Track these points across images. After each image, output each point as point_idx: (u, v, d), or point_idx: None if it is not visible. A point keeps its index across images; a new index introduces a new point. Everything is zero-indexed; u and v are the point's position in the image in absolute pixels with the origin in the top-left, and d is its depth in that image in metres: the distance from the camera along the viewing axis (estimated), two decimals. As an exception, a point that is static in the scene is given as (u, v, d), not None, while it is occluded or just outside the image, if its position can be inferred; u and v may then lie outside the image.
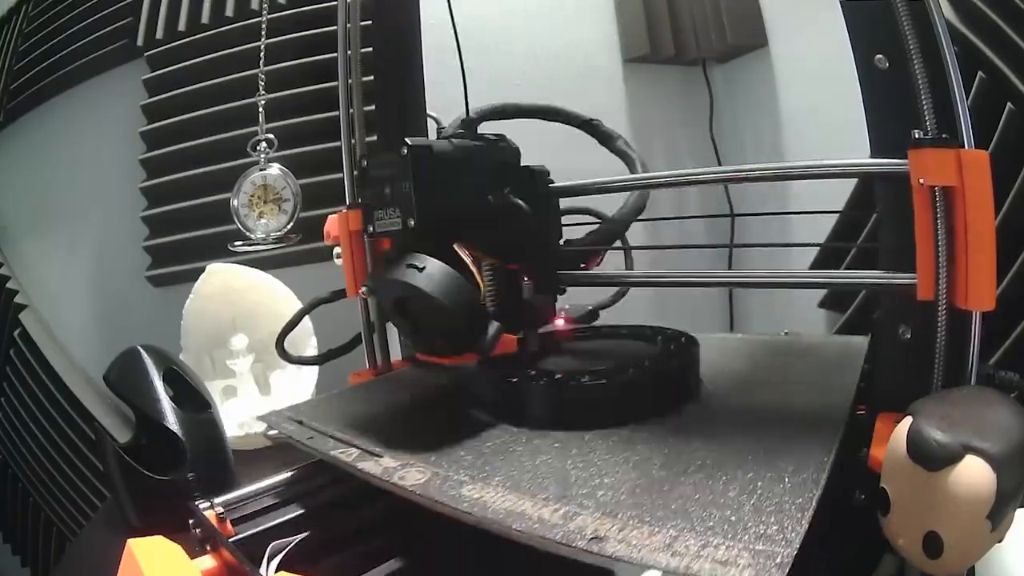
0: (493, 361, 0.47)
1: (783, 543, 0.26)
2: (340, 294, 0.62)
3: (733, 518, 0.28)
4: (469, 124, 0.52)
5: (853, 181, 0.78)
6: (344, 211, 0.59)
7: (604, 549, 0.27)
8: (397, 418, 0.47)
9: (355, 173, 0.61)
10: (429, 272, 0.39)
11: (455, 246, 0.42)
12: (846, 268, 0.79)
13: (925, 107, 0.35)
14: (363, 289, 0.46)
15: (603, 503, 0.31)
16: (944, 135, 0.34)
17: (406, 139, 0.41)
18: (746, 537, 0.27)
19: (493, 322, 0.42)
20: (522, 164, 0.51)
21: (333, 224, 0.60)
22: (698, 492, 0.31)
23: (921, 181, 0.34)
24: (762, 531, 0.27)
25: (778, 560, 0.25)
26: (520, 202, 0.46)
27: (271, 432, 0.46)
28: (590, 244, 0.55)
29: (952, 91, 0.35)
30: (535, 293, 0.47)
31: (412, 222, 0.42)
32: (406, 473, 0.35)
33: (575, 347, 0.53)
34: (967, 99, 0.35)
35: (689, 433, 0.39)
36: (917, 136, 0.35)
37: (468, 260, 0.42)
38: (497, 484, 0.33)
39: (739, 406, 0.44)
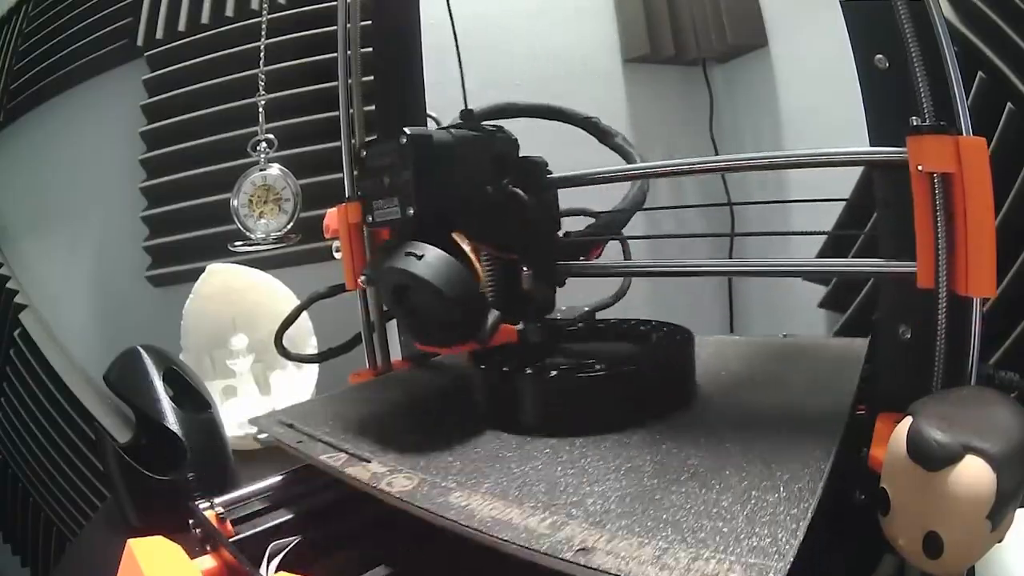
0: (488, 357, 0.47)
1: (776, 556, 0.25)
2: (338, 289, 0.62)
3: (725, 529, 0.27)
4: (468, 115, 0.53)
5: (852, 177, 0.78)
6: (344, 204, 0.59)
7: (591, 561, 0.26)
8: (389, 422, 0.47)
9: (354, 166, 0.61)
10: (428, 260, 0.39)
11: (454, 235, 0.42)
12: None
13: (923, 95, 0.35)
14: (362, 278, 0.45)
15: (592, 512, 0.30)
16: (942, 123, 0.34)
17: (404, 128, 0.41)
18: (738, 549, 0.26)
19: (492, 311, 0.42)
20: (520, 156, 0.51)
21: (332, 218, 0.60)
22: (690, 501, 0.30)
23: (920, 168, 0.34)
24: (755, 543, 0.26)
25: (771, 574, 0.24)
26: (519, 191, 0.46)
27: (261, 436, 0.46)
28: (589, 235, 0.55)
29: (951, 85, 0.35)
30: (534, 282, 0.47)
31: (411, 211, 0.42)
32: (393, 479, 0.35)
33: (569, 343, 0.53)
34: (967, 99, 0.35)
35: (683, 438, 0.38)
36: (915, 123, 0.35)
37: (467, 248, 0.41)
38: (485, 491, 0.32)
39: (735, 410, 0.43)
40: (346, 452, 0.39)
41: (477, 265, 0.41)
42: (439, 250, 0.40)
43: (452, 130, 0.46)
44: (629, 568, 0.25)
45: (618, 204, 0.57)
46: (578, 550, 0.26)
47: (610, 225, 0.56)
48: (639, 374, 0.42)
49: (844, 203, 0.79)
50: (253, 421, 0.48)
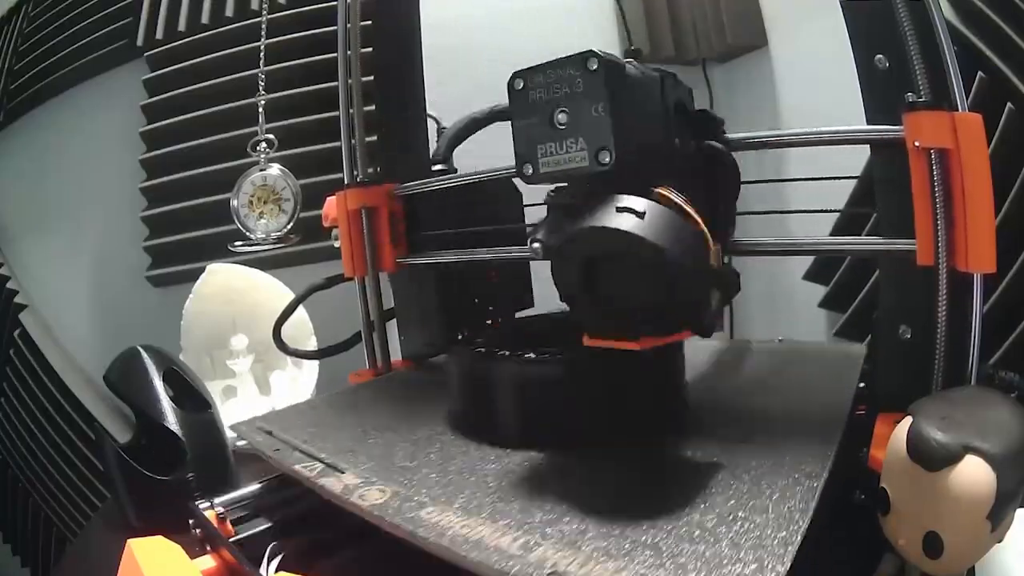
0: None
1: None
2: (336, 279, 0.62)
3: (708, 553, 0.26)
4: (637, 54, 0.40)
5: (854, 165, 0.78)
6: (343, 192, 0.59)
7: None
8: (368, 431, 0.44)
9: (354, 155, 0.60)
10: (652, 219, 0.29)
11: (662, 191, 0.31)
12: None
13: (919, 73, 0.35)
14: (535, 246, 0.33)
15: (567, 533, 0.28)
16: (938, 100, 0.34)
17: (593, 50, 0.31)
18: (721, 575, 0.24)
19: (715, 292, 0.33)
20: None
21: (331, 206, 0.60)
22: (672, 522, 0.28)
23: (916, 144, 0.34)
24: (739, 570, 0.24)
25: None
26: (723, 147, 0.38)
27: (240, 443, 0.44)
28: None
29: (946, 63, 0.35)
30: (725, 260, 0.38)
31: (608, 156, 0.31)
32: (366, 492, 0.33)
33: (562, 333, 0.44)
34: (967, 99, 0.35)
35: (670, 452, 0.36)
36: (911, 100, 0.35)
37: (690, 209, 0.31)
38: (458, 507, 0.31)
39: (728, 421, 0.41)
40: (321, 462, 0.38)
41: (704, 229, 0.31)
42: (662, 206, 0.30)
43: (635, 64, 0.35)
44: None
45: None
46: (549, 574, 0.25)
47: None
48: (628, 367, 0.35)
49: (846, 198, 0.79)
50: (234, 427, 0.46)
